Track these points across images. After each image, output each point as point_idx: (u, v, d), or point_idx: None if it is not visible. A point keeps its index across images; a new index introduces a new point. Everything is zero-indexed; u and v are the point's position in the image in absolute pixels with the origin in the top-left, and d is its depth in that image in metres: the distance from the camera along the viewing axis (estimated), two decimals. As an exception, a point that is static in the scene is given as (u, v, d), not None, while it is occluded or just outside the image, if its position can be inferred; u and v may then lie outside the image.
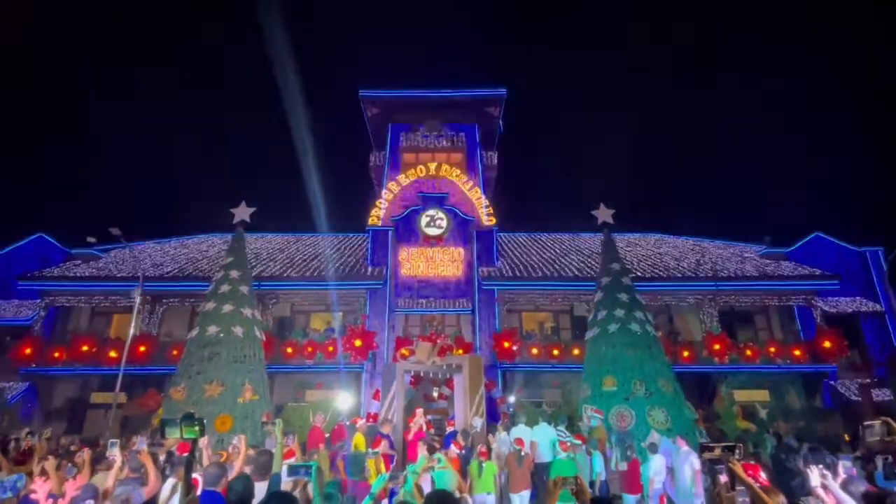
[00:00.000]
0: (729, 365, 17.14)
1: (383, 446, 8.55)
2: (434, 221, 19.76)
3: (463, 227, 19.86)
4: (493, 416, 13.91)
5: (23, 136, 59.58)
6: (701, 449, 4.00)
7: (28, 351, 16.83)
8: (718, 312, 18.79)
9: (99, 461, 6.38)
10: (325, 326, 18.64)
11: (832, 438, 13.24)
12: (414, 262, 19.36)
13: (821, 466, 3.87)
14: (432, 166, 21.38)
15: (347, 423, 10.83)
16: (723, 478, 3.70)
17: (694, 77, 69.14)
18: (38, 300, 18.51)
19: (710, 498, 7.41)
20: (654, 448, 8.49)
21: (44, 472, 5.10)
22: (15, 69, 57.38)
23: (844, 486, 3.76)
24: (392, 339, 17.56)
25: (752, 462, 7.26)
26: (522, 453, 8.43)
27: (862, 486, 3.88)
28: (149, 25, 68.27)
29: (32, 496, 4.71)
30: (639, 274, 18.36)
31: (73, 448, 9.46)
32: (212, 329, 11.64)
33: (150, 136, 65.72)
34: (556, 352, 17.35)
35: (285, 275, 18.48)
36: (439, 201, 20.21)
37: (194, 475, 4.11)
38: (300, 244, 22.99)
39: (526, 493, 8.18)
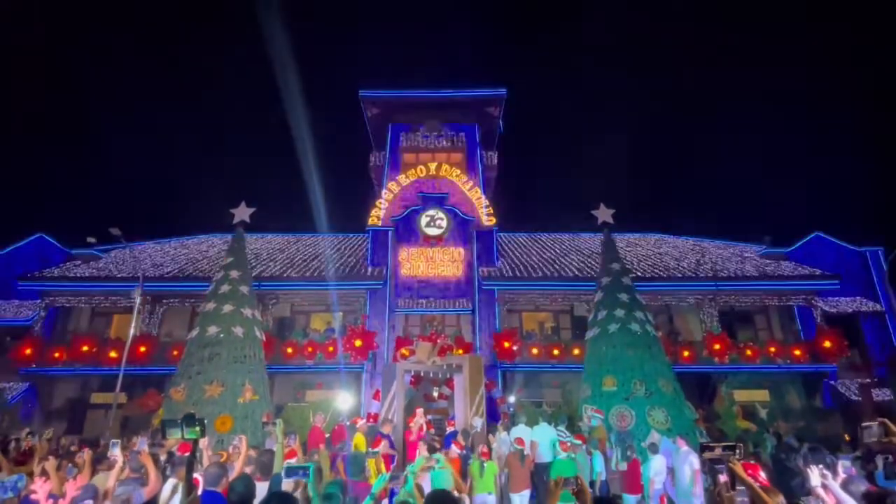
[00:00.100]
0: (729, 365, 17.14)
1: (383, 446, 8.55)
2: (434, 221, 19.76)
3: (463, 227, 19.86)
4: (494, 416, 13.91)
5: (23, 136, 59.61)
6: (701, 449, 4.00)
7: (28, 351, 16.83)
8: (718, 312, 18.79)
9: (99, 461, 6.38)
10: (325, 326, 18.64)
11: (832, 438, 13.25)
12: (414, 262, 19.36)
13: (821, 466, 3.88)
14: (432, 166, 21.38)
15: (347, 423, 10.83)
16: (722, 477, 3.70)
17: (694, 77, 69.20)
18: (39, 300, 18.51)
19: (710, 498, 7.41)
20: (654, 448, 8.49)
21: (44, 473, 5.10)
22: (15, 69, 57.39)
23: (845, 485, 3.76)
24: (392, 339, 17.56)
25: (752, 462, 7.27)
26: (525, 452, 8.44)
27: (862, 486, 3.88)
28: (149, 25, 68.31)
29: (33, 496, 4.71)
30: (639, 274, 18.36)
31: (73, 448, 9.46)
32: (212, 329, 11.64)
33: (150, 136, 65.76)
34: (556, 352, 17.35)
35: (285, 275, 18.49)
36: (439, 201, 20.21)
37: (195, 475, 4.11)
38: (300, 244, 23.00)
39: (526, 493, 8.18)
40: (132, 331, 14.90)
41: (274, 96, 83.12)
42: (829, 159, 60.00)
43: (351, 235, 23.60)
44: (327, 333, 17.96)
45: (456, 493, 5.76)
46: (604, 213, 14.12)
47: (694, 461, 7.75)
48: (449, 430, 11.88)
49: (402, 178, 21.20)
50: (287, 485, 4.41)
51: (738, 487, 3.72)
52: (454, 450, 8.33)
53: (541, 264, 19.91)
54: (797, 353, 17.55)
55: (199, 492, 4.02)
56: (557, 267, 19.55)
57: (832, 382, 17.59)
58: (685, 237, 24.29)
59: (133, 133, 63.97)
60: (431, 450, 7.87)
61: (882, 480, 5.40)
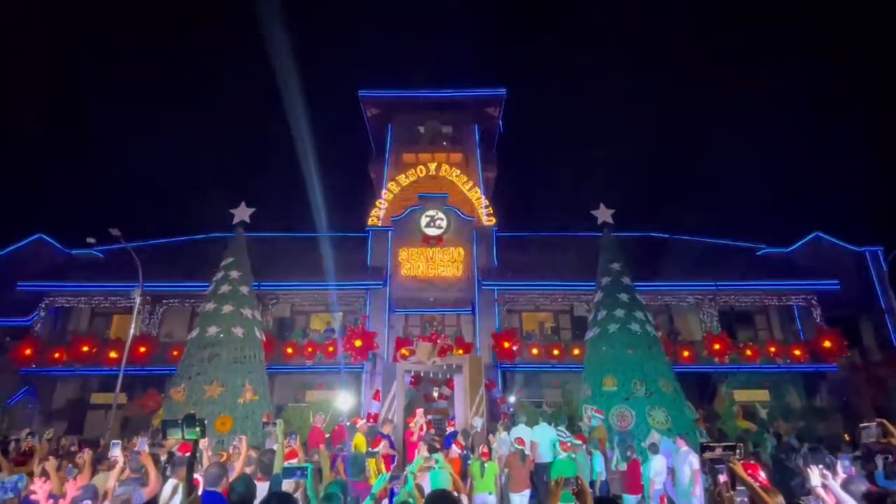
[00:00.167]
0: (729, 365, 17.15)
1: (383, 446, 8.55)
2: (434, 221, 19.75)
3: (463, 228, 19.86)
4: (494, 416, 13.92)
5: (23, 136, 59.61)
6: (702, 449, 4.00)
7: (28, 352, 16.82)
8: (718, 312, 18.79)
9: (100, 461, 6.38)
10: (325, 327, 18.64)
11: (832, 438, 13.26)
12: (414, 263, 19.35)
13: (821, 466, 3.88)
14: (432, 166, 21.38)
15: (348, 423, 10.83)
16: (722, 477, 3.70)
17: (694, 77, 69.22)
18: (39, 301, 18.50)
19: (710, 498, 7.41)
20: (654, 448, 8.49)
21: (44, 473, 5.10)
22: (15, 69, 57.39)
23: (845, 485, 3.76)
24: (392, 340, 17.56)
25: (752, 462, 7.28)
26: (527, 452, 8.44)
27: (863, 486, 3.89)
28: (149, 25, 68.33)
29: (33, 497, 4.71)
30: (639, 274, 18.34)
31: (73, 449, 9.45)
32: (212, 330, 11.65)
33: (150, 136, 65.74)
34: (556, 352, 17.36)
35: (285, 275, 18.47)
36: (439, 201, 20.21)
37: (195, 475, 4.11)
38: (300, 244, 22.95)
39: (526, 493, 8.19)
40: (132, 331, 14.90)
41: (274, 96, 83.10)
42: (828, 159, 60.03)
43: (351, 235, 23.57)
44: (327, 334, 17.96)
45: (454, 493, 5.75)
46: (604, 213, 14.14)
47: (693, 461, 7.76)
48: (449, 430, 11.89)
49: (401, 178, 21.20)
50: (287, 485, 4.41)
51: (739, 487, 3.72)
52: (455, 450, 8.33)
53: (541, 264, 19.88)
54: (797, 352, 17.55)
55: (200, 492, 4.02)
56: (557, 267, 19.52)
57: (832, 382, 17.60)
58: (685, 237, 24.27)
59: (133, 133, 64.00)
60: (432, 450, 7.88)
61: (882, 480, 5.40)
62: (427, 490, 5.38)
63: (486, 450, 7.95)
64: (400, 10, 78.62)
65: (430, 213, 19.82)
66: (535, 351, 17.43)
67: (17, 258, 20.47)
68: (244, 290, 12.53)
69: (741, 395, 15.80)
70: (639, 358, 11.73)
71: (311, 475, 4.32)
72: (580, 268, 19.30)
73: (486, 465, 7.64)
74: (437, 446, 9.15)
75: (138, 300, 14.98)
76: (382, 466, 7.43)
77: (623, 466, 8.46)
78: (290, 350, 17.06)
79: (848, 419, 15.81)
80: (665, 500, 8.23)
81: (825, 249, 21.48)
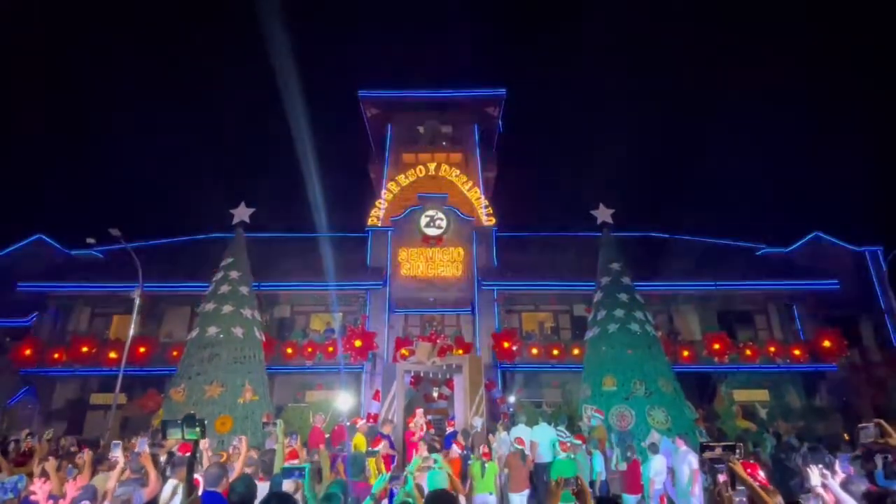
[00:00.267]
0: (729, 365, 17.16)
1: (383, 447, 8.55)
2: (434, 221, 19.75)
3: (462, 228, 19.86)
4: (494, 416, 13.92)
5: (23, 136, 59.60)
6: (701, 448, 4.01)
7: (28, 352, 16.81)
8: (718, 312, 18.78)
9: (100, 462, 6.38)
10: (325, 327, 18.64)
11: (832, 438, 13.27)
12: (413, 263, 19.35)
13: (820, 466, 3.88)
14: (432, 166, 21.37)
15: (347, 423, 10.83)
16: (721, 477, 3.70)
17: (694, 77, 69.24)
18: (38, 301, 18.48)
19: (709, 498, 7.42)
20: (654, 448, 8.49)
21: (44, 473, 5.10)
22: (15, 69, 57.38)
23: (845, 485, 3.77)
24: (392, 340, 17.56)
25: (751, 461, 7.28)
26: (526, 452, 8.45)
27: (863, 486, 3.89)
28: (149, 25, 68.33)
29: (33, 497, 4.71)
30: (638, 274, 18.34)
31: (73, 449, 9.45)
32: (212, 330, 11.65)
33: (150, 136, 65.74)
34: (555, 352, 17.36)
35: (285, 275, 18.46)
36: (439, 201, 20.21)
37: (195, 476, 4.11)
38: (300, 244, 22.94)
39: (526, 493, 8.20)
40: (132, 331, 14.89)
41: (273, 96, 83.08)
42: (828, 159, 60.07)
43: (351, 235, 23.56)
44: (327, 334, 17.96)
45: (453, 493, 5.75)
46: (603, 213, 14.14)
47: (692, 461, 7.76)
48: (449, 430, 11.90)
49: (401, 178, 21.20)
50: (288, 485, 4.42)
51: (738, 487, 3.72)
52: (455, 450, 8.33)
53: (541, 264, 19.87)
54: (797, 352, 17.56)
55: (200, 492, 4.02)
56: (557, 267, 19.52)
57: (831, 382, 17.61)
58: (685, 237, 24.27)
59: (133, 133, 64.00)
60: (431, 450, 7.88)
61: (882, 480, 5.41)
62: (425, 490, 5.38)
63: (486, 450, 7.95)
64: (400, 11, 78.69)
65: (430, 213, 19.82)
66: (534, 351, 17.44)
67: (17, 258, 20.45)
68: (244, 290, 12.53)
69: (741, 395, 15.81)
70: (638, 358, 11.73)
71: (309, 475, 4.32)
72: (580, 268, 19.29)
73: (486, 465, 7.65)
74: (437, 446, 9.16)
75: (138, 300, 14.97)
76: (382, 466, 7.43)
77: (623, 466, 8.47)
78: (289, 350, 17.06)
79: (847, 419, 15.82)
80: (665, 499, 8.23)
81: (825, 249, 21.48)
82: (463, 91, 22.95)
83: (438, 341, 14.69)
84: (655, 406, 10.97)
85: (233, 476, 4.47)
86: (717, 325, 18.40)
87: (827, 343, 17.29)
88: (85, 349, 17.02)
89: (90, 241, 15.81)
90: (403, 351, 14.69)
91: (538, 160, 72.87)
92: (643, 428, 10.55)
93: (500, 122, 24.23)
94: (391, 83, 23.59)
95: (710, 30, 68.78)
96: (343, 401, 14.96)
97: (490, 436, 10.07)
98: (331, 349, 17.08)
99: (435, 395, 15.80)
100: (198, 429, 3.77)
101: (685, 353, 17.37)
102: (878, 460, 5.85)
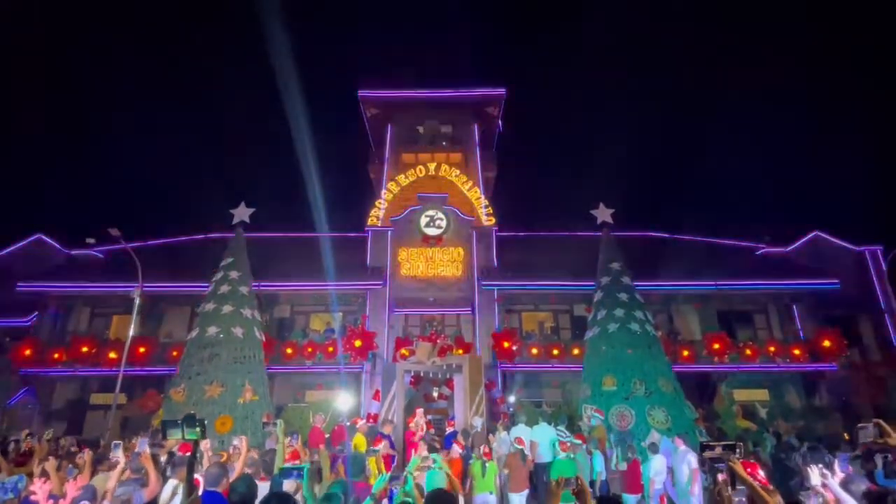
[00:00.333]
0: (729, 364, 17.16)
1: (383, 446, 8.56)
2: (433, 221, 19.75)
3: (462, 227, 19.86)
4: (494, 415, 13.92)
5: (23, 136, 59.58)
6: (702, 448, 4.01)
7: (28, 352, 16.81)
8: (718, 312, 18.77)
9: (100, 462, 6.38)
10: (325, 327, 18.64)
11: (832, 437, 13.27)
12: (413, 262, 19.35)
13: (820, 466, 3.89)
14: (432, 166, 21.37)
15: (347, 423, 10.84)
16: (721, 476, 3.70)
17: (694, 77, 69.24)
18: (38, 301, 18.48)
19: (709, 497, 7.42)
20: (654, 448, 8.50)
21: (44, 473, 5.10)
22: (15, 69, 57.36)
23: (845, 484, 3.77)
24: (392, 340, 17.56)
25: (751, 461, 7.28)
26: (526, 452, 8.45)
27: (863, 485, 3.89)
28: (149, 25, 68.31)
29: (33, 497, 4.70)
30: (638, 273, 18.34)
31: (73, 449, 9.45)
32: (211, 330, 11.65)
33: (150, 136, 65.74)
34: (555, 351, 17.36)
35: (285, 275, 18.46)
36: (439, 201, 20.21)
37: (195, 476, 4.11)
38: (300, 244, 22.94)
39: (525, 493, 8.20)
40: (131, 331, 14.89)
41: (273, 96, 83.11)
42: (828, 159, 60.09)
43: (350, 235, 23.56)
44: (327, 334, 17.96)
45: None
46: (603, 213, 14.14)
47: (692, 460, 7.77)
48: (449, 430, 11.90)
49: (401, 178, 21.19)
50: (288, 485, 4.41)
51: (738, 487, 3.72)
52: (456, 449, 8.33)
53: (540, 264, 19.86)
54: (796, 352, 17.56)
55: (200, 492, 4.02)
56: (557, 267, 19.51)
57: (831, 382, 17.61)
58: (685, 236, 24.27)
59: (133, 133, 64.01)
60: (431, 450, 7.88)
61: (882, 479, 5.41)
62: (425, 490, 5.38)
63: (487, 450, 7.96)
64: (400, 10, 78.67)
65: (430, 212, 19.82)
66: (534, 351, 17.44)
67: (17, 258, 20.47)
68: (244, 290, 12.52)
69: (741, 395, 15.81)
70: (638, 357, 11.73)
71: (308, 476, 4.31)
72: (580, 268, 19.29)
73: (487, 464, 7.65)
74: (438, 446, 9.16)
75: (138, 300, 14.97)
76: (382, 466, 7.43)
77: (623, 466, 8.47)
78: (289, 350, 17.06)
79: (847, 418, 15.82)
80: (665, 499, 8.24)
81: (825, 249, 21.50)
82: (463, 91, 22.94)
83: (438, 341, 14.69)
84: (655, 406, 10.96)
85: (233, 476, 4.47)
86: (716, 325, 18.40)
87: (827, 343, 17.30)
88: (85, 349, 17.01)
89: (90, 241, 15.83)
90: (403, 351, 14.69)
91: (538, 160, 72.89)
92: (643, 428, 10.55)
93: (500, 122, 24.22)
94: (391, 83, 23.55)
95: (710, 30, 68.84)
96: (343, 401, 14.97)
97: (490, 436, 10.08)
98: (331, 349, 17.08)
99: (435, 394, 15.80)
100: (198, 429, 3.77)
101: (685, 353, 17.37)
102: (878, 460, 5.85)
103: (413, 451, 7.55)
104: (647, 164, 67.40)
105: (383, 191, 21.18)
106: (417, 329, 18.63)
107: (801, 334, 18.69)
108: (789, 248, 21.68)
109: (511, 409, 14.24)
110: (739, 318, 19.71)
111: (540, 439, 9.34)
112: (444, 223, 19.71)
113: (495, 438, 9.79)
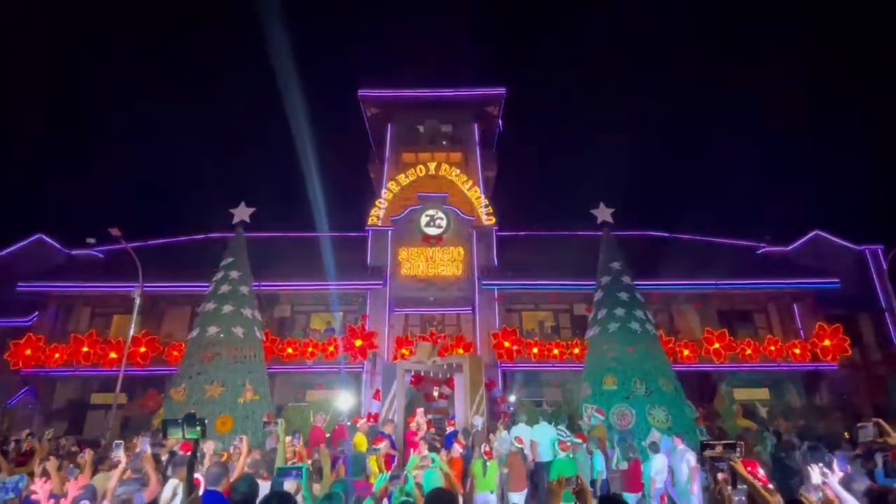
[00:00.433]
0: (729, 363, 17.16)
1: (384, 446, 8.55)
2: (434, 221, 19.75)
3: (462, 227, 19.85)
4: (494, 415, 13.93)
5: (23, 136, 59.57)
6: (702, 447, 4.01)
7: (28, 352, 16.82)
8: (719, 311, 18.76)
9: (101, 462, 6.38)
10: (326, 326, 18.65)
11: (832, 436, 13.26)
12: (414, 262, 19.35)
13: (820, 465, 3.89)
14: (432, 166, 21.36)
15: (348, 423, 10.84)
16: (721, 475, 3.70)
17: (694, 77, 69.20)
18: (39, 301, 18.48)
19: (709, 496, 7.42)
20: (655, 447, 8.50)
21: (45, 473, 5.10)
22: (15, 69, 57.34)
23: (846, 483, 3.77)
24: (392, 339, 17.57)
25: (752, 460, 7.28)
26: (527, 451, 8.45)
27: (864, 484, 3.89)
28: (149, 25, 68.28)
29: (34, 497, 4.71)
30: (639, 273, 18.33)
31: (73, 449, 9.45)
32: (212, 329, 11.65)
33: (150, 136, 65.73)
34: (556, 351, 17.37)
35: (285, 275, 18.45)
36: (439, 201, 20.20)
37: (196, 475, 4.11)
38: (300, 244, 22.94)
39: (524, 492, 8.21)
40: (132, 331, 14.89)
41: (273, 96, 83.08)
42: (828, 158, 60.08)
43: (351, 235, 23.55)
44: (327, 333, 17.97)
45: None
46: (603, 213, 14.12)
47: (691, 459, 7.77)
48: (449, 429, 11.90)
49: (401, 177, 21.18)
50: (289, 485, 4.41)
51: (739, 486, 3.72)
52: (456, 448, 8.34)
53: (541, 264, 19.86)
54: (797, 351, 17.56)
55: (201, 492, 4.02)
56: (557, 266, 19.50)
57: (831, 381, 17.62)
58: (685, 235, 24.25)
59: (133, 133, 64.00)
60: (432, 449, 7.88)
61: (882, 478, 5.41)
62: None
63: (488, 449, 7.97)
64: (399, 10, 78.62)
65: (430, 212, 19.82)
66: (535, 350, 17.44)
67: (17, 258, 20.47)
68: (244, 290, 12.52)
69: (741, 394, 15.81)
70: (639, 357, 11.72)
71: (307, 476, 4.31)
72: (580, 267, 19.27)
73: (488, 464, 7.66)
74: (438, 445, 9.16)
75: (138, 300, 14.97)
76: (383, 465, 7.43)
77: (624, 465, 8.47)
78: (290, 350, 17.07)
79: (848, 418, 15.82)
80: (665, 498, 8.24)
81: (825, 248, 21.49)
82: (463, 90, 22.93)
83: (439, 341, 14.70)
84: (656, 405, 10.96)
85: (234, 476, 4.47)
86: (717, 324, 18.38)
87: (827, 342, 17.31)
88: (85, 349, 17.02)
89: (90, 240, 15.83)
90: (404, 350, 14.71)
91: (538, 160, 72.89)
92: (644, 427, 10.54)
93: (500, 122, 24.22)
94: (391, 83, 23.54)
95: (710, 30, 68.82)
96: (343, 400, 14.97)
97: (490, 435, 10.08)
98: (331, 349, 17.09)
99: (435, 394, 15.81)
100: (198, 428, 3.77)
101: (685, 352, 17.38)
102: (879, 459, 5.85)
103: (413, 450, 7.56)
104: (647, 164, 67.58)
105: (383, 190, 21.17)
106: (417, 329, 18.64)
107: (802, 333, 18.69)
108: (790, 248, 21.68)
109: (511, 409, 14.24)
110: (740, 317, 19.71)
111: (540, 438, 9.33)
112: (444, 223, 19.71)
113: (496, 437, 9.79)
